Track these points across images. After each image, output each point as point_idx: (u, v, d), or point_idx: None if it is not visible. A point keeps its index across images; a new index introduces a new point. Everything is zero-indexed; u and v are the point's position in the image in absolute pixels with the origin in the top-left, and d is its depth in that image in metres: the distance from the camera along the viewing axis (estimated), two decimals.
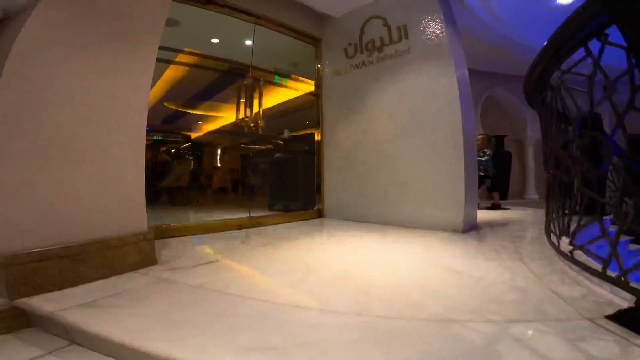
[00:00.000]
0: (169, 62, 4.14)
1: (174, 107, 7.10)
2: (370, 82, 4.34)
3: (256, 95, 4.44)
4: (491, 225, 4.15)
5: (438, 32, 3.84)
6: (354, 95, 4.49)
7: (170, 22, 4.30)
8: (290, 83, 5.47)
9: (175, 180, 6.93)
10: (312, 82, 4.98)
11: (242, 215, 4.15)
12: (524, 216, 4.99)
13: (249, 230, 3.86)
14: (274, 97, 5.60)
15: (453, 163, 3.63)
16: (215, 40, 4.92)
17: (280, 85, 5.49)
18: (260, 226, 4.10)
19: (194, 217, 4.77)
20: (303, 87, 5.18)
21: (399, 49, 4.12)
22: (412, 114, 3.99)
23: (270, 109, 5.57)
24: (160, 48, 2.37)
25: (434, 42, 3.86)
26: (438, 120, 3.79)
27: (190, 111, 7.66)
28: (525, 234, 3.57)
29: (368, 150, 4.39)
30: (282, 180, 5.53)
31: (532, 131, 7.80)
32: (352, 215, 4.52)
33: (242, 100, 4.47)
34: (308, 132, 5.48)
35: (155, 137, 6.04)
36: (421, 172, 3.89)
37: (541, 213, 5.20)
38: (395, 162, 4.13)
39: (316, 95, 4.91)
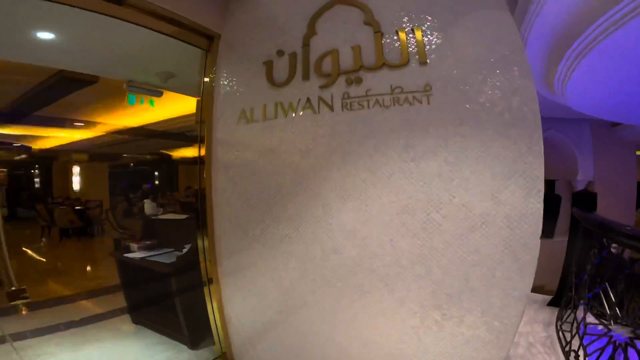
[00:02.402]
0: None
1: None
2: (322, 158, 1.79)
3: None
4: None
5: (509, 60, 1.50)
6: (285, 188, 1.87)
7: None
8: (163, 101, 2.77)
9: None
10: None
11: None
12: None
13: None
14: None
15: None
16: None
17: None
18: None
19: None
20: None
21: (401, 84, 1.66)
22: (427, 266, 1.57)
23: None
24: None
25: (501, 85, 1.51)
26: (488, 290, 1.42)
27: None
28: None
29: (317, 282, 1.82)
30: (150, 291, 3.11)
31: (583, 174, 6.87)
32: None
33: None
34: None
35: None
36: None
37: None
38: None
39: (200, 161, 2.15)
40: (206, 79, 2.06)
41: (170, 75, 2.59)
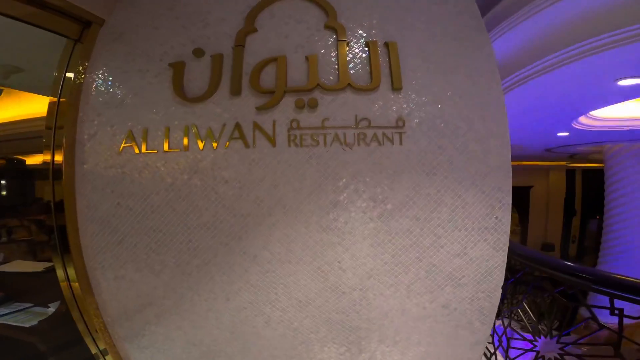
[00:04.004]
0: None
1: None
2: (259, 211, 1.25)
3: None
4: None
5: (488, 96, 1.24)
6: (203, 249, 1.27)
7: None
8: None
9: None
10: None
11: None
12: None
13: None
14: None
15: None
16: None
17: None
18: None
19: None
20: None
21: (368, 115, 1.25)
22: None
23: None
24: None
25: (478, 125, 1.24)
26: None
27: None
28: None
29: None
30: None
31: None
32: None
33: None
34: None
35: None
36: None
37: None
38: None
39: (57, 207, 1.36)
40: (69, 75, 1.30)
41: (14, 69, 1.67)
